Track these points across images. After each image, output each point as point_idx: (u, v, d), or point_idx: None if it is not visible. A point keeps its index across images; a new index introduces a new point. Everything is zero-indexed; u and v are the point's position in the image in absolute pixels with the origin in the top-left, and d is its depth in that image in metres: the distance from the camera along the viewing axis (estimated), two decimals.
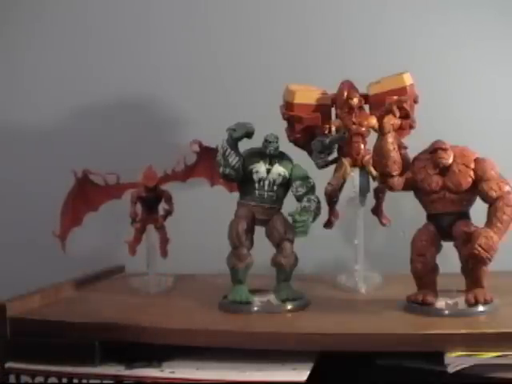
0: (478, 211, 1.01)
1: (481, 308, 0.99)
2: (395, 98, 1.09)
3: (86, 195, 1.28)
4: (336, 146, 1.17)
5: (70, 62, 1.51)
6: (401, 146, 1.05)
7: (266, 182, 1.09)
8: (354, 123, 1.15)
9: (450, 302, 1.01)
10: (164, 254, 1.26)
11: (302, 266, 1.10)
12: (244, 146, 1.11)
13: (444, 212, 1.01)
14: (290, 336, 0.96)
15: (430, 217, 1.03)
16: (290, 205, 1.09)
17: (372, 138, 1.11)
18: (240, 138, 1.08)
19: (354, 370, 0.98)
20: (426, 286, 1.02)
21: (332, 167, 1.18)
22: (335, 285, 1.21)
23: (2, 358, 1.01)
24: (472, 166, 1.00)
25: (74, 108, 1.51)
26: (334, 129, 1.16)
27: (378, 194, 1.19)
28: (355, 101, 1.15)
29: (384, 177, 1.04)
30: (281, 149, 1.10)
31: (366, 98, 1.18)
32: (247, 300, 1.07)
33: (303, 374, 0.92)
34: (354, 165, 1.16)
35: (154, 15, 1.49)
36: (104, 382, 0.97)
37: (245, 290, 1.08)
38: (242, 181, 1.10)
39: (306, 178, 1.09)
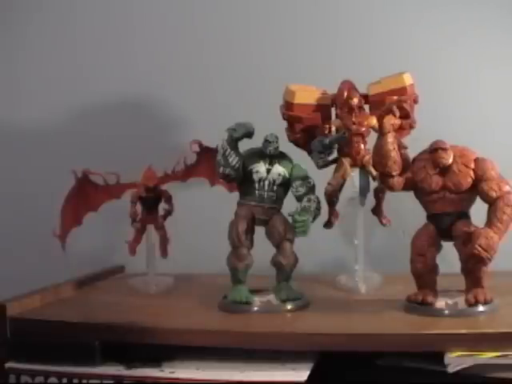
0: (478, 211, 1.01)
1: (481, 308, 0.98)
2: (395, 98, 1.09)
3: (86, 195, 1.28)
4: (336, 145, 1.17)
5: (70, 62, 1.51)
6: (401, 146, 1.05)
7: (266, 182, 1.09)
8: (354, 123, 1.15)
9: (450, 301, 1.02)
10: (164, 253, 1.26)
11: (301, 266, 1.10)
12: (244, 146, 1.11)
13: (444, 212, 1.01)
14: (290, 336, 0.96)
15: (429, 217, 1.03)
16: (290, 205, 1.09)
17: (372, 138, 1.11)
18: (240, 138, 1.08)
19: (354, 369, 0.98)
20: (425, 286, 1.02)
21: (332, 167, 1.18)
22: (335, 285, 1.21)
23: (2, 357, 1.01)
24: (472, 166, 1.00)
25: (73, 108, 1.51)
26: (333, 129, 1.16)
27: (378, 194, 1.19)
28: (355, 101, 1.15)
29: (384, 177, 1.04)
30: (281, 149, 1.10)
31: (366, 98, 1.17)
32: (247, 300, 1.07)
33: (303, 374, 0.92)
34: (353, 165, 1.16)
35: (154, 15, 1.49)
36: (104, 382, 0.97)
37: (245, 290, 1.08)
38: (242, 181, 1.10)
39: (305, 178, 1.09)
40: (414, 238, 1.04)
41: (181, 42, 1.47)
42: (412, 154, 1.06)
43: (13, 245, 1.49)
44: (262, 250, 1.07)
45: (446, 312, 0.99)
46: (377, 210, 1.21)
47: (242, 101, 1.42)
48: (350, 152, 1.16)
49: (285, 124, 1.20)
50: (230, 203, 1.12)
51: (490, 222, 0.97)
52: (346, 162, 1.16)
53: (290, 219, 1.06)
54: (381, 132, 1.03)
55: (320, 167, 1.17)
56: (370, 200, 1.20)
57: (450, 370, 0.89)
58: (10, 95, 1.54)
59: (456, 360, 0.89)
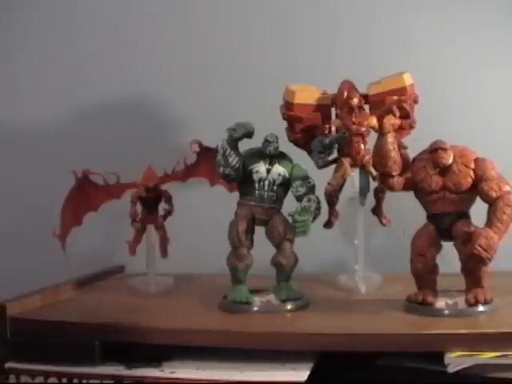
0: (478, 211, 1.01)
1: (481, 308, 0.99)
2: (395, 98, 1.09)
3: (86, 195, 1.28)
4: (336, 145, 1.17)
5: (70, 62, 1.51)
6: (401, 146, 1.05)
7: (266, 182, 1.09)
8: (354, 123, 1.15)
9: (450, 301, 1.02)
10: (164, 253, 1.26)
11: (301, 266, 1.10)
12: (244, 146, 1.11)
13: (444, 212, 1.01)
14: (289, 336, 0.96)
15: (429, 217, 1.03)
16: (290, 205, 1.09)
17: (372, 138, 1.11)
18: (240, 138, 1.08)
19: (354, 369, 0.98)
20: (425, 286, 1.02)
21: (332, 167, 1.18)
22: (335, 285, 1.21)
23: (2, 357, 1.01)
24: (472, 166, 1.00)
25: (73, 108, 1.51)
26: (333, 129, 1.16)
27: (378, 194, 1.19)
28: (355, 101, 1.15)
29: (384, 177, 1.04)
30: (281, 149, 1.10)
31: (366, 98, 1.17)
32: (247, 300, 1.07)
33: (303, 374, 0.92)
34: (353, 165, 1.16)
35: (154, 15, 1.49)
36: (104, 382, 0.97)
37: (245, 290, 1.08)
38: (242, 181, 1.10)
39: (305, 178, 1.09)
40: (414, 237, 1.04)
41: (181, 43, 1.47)
42: (412, 154, 1.06)
43: (13, 245, 1.49)
44: (261, 249, 1.07)
45: (446, 312, 0.99)
46: (377, 210, 1.21)
47: (242, 101, 1.42)
48: (349, 152, 1.16)
49: (285, 124, 1.20)
50: (230, 203, 1.12)
51: (489, 222, 0.97)
52: (346, 161, 1.16)
53: (290, 219, 1.06)
54: (381, 132, 1.03)
55: (320, 167, 1.17)
56: (370, 200, 1.20)
57: (450, 370, 0.89)
58: (9, 95, 1.54)
59: (456, 360, 0.89)
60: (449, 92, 1.37)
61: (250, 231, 1.09)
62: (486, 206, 1.00)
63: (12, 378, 1.00)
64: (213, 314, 1.06)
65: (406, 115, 1.10)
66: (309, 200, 1.07)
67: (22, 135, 1.52)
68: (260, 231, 1.10)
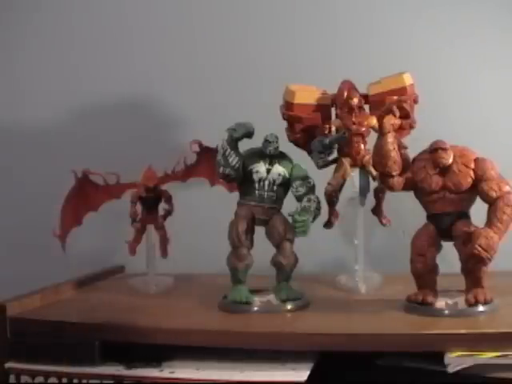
0: (478, 211, 1.01)
1: (481, 308, 0.99)
2: (395, 98, 1.09)
3: (86, 195, 1.28)
4: (336, 145, 1.17)
5: (70, 62, 1.51)
6: (401, 146, 1.05)
7: (266, 182, 1.09)
8: (354, 123, 1.15)
9: (450, 301, 1.02)
10: (164, 253, 1.26)
11: (301, 266, 1.10)
12: (244, 146, 1.11)
13: (444, 212, 1.01)
14: (289, 336, 0.96)
15: (429, 217, 1.03)
16: (290, 205, 1.09)
17: (372, 138, 1.11)
18: (240, 138, 1.08)
19: (354, 369, 0.98)
20: (425, 286, 1.02)
21: (332, 167, 1.18)
22: (335, 285, 1.21)
23: (2, 357, 1.01)
24: (472, 166, 1.00)
25: (73, 108, 1.51)
26: (333, 129, 1.16)
27: (378, 194, 1.19)
28: (355, 101, 1.15)
29: (384, 177, 1.04)
30: (281, 149, 1.10)
31: (366, 98, 1.18)
32: (247, 300, 1.07)
33: (303, 374, 0.92)
34: (353, 165, 1.16)
35: (154, 15, 1.49)
36: (104, 381, 0.97)
37: (245, 290, 1.08)
38: (242, 181, 1.10)
39: (305, 178, 1.10)
40: (414, 237, 1.04)
41: (181, 42, 1.47)
42: (412, 154, 1.06)
43: (13, 245, 1.49)
44: (261, 249, 1.07)
45: (446, 312, 0.99)
46: (377, 210, 1.21)
47: (242, 101, 1.42)
48: (349, 152, 1.16)
49: (285, 124, 1.20)
50: (230, 203, 1.12)
51: (489, 222, 0.97)
52: (346, 161, 1.16)
53: (290, 219, 1.06)
54: (381, 132, 1.03)
55: (320, 167, 1.17)
56: (370, 200, 1.20)
57: (450, 370, 0.89)
58: (9, 95, 1.54)
59: (456, 360, 0.89)
60: (449, 92, 1.37)
61: (250, 231, 1.09)
62: (485, 206, 1.00)
63: (12, 378, 1.01)
64: (213, 314, 1.06)
65: (406, 115, 1.10)
66: (309, 200, 1.07)
67: (22, 135, 1.52)
68: (260, 231, 1.10)
